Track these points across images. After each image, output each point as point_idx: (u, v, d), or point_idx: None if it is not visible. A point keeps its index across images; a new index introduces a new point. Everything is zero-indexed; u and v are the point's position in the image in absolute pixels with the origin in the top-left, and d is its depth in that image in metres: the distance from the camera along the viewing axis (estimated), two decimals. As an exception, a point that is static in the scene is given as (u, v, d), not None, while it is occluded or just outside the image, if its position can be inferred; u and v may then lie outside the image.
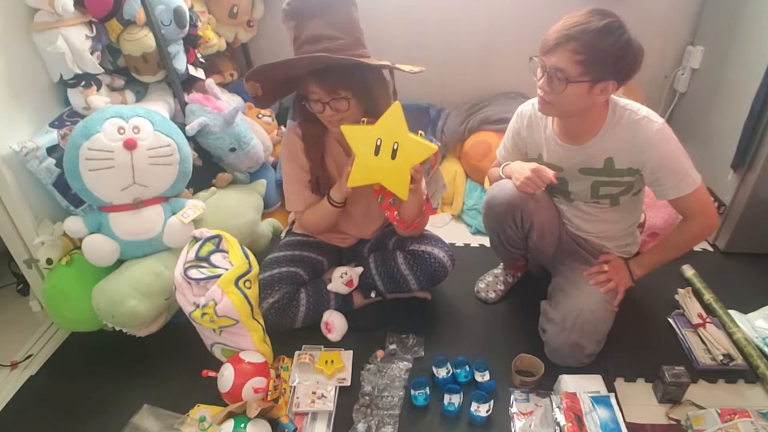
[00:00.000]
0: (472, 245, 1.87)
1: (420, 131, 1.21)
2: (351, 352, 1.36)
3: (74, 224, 1.32)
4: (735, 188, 1.67)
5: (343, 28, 1.16)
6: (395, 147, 1.19)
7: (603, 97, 1.12)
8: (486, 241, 1.67)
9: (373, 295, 1.47)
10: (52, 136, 1.33)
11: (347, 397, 1.25)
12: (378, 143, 1.19)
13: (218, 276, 1.23)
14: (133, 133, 1.30)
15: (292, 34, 1.19)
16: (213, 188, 1.62)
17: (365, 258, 1.49)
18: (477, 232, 1.95)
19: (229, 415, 1.10)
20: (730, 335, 1.37)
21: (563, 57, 1.06)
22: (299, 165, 1.38)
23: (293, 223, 1.60)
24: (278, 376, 1.29)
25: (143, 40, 1.47)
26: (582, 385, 1.19)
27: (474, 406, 1.20)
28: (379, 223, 1.51)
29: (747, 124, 1.56)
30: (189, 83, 1.70)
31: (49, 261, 1.34)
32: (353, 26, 1.18)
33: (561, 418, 1.12)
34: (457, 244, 1.86)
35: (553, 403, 1.18)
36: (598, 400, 1.14)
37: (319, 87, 1.19)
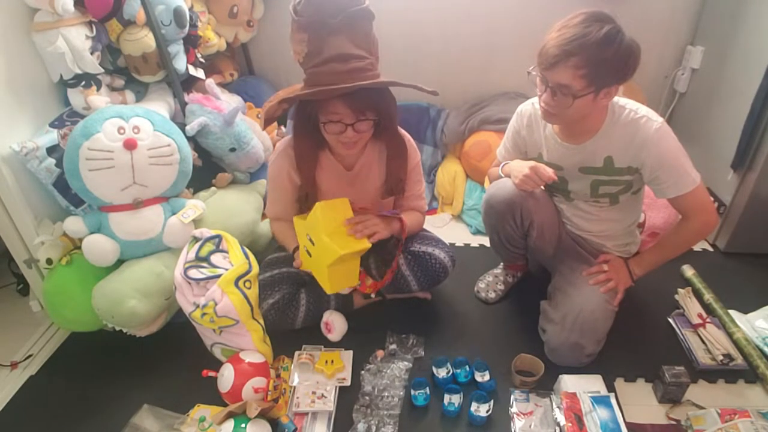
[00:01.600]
0: (472, 245, 1.87)
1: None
2: (351, 352, 1.36)
3: (74, 224, 1.32)
4: (735, 188, 1.67)
5: (366, 45, 1.11)
6: (309, 238, 1.24)
7: (607, 100, 1.12)
8: (486, 241, 1.67)
9: (373, 295, 1.47)
10: (52, 136, 1.33)
11: (347, 397, 1.25)
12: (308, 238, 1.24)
13: (218, 276, 1.23)
14: (133, 133, 1.30)
15: (303, 49, 1.10)
16: (213, 188, 1.62)
17: (365, 258, 1.48)
18: (477, 232, 1.95)
19: (229, 415, 1.10)
20: (730, 335, 1.37)
21: (566, 74, 1.05)
22: (280, 186, 1.34)
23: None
24: (278, 376, 1.29)
25: (143, 40, 1.47)
26: (582, 385, 1.19)
27: (474, 406, 1.20)
28: None
29: (747, 124, 1.56)
30: (189, 83, 1.70)
31: (49, 261, 1.34)
32: (375, 44, 1.14)
33: (561, 418, 1.12)
34: (457, 244, 1.86)
35: (553, 403, 1.18)
36: (598, 400, 1.14)
37: (346, 107, 1.13)
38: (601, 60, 1.03)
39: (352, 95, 1.11)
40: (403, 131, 1.36)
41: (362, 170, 1.35)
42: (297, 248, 1.34)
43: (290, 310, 1.38)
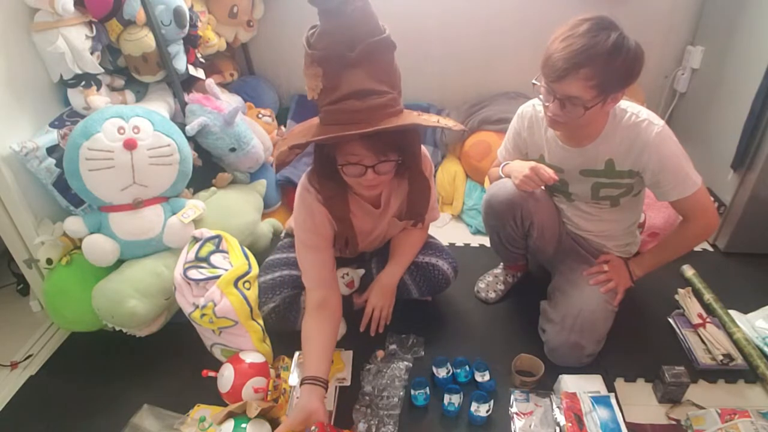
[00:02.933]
0: (472, 245, 1.87)
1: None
2: (351, 352, 1.36)
3: (74, 224, 1.32)
4: (735, 188, 1.66)
5: (387, 79, 1.00)
6: None
7: (612, 105, 1.12)
8: (486, 241, 1.67)
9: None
10: (52, 136, 1.33)
11: (347, 397, 1.25)
12: None
13: (218, 277, 1.23)
14: (133, 133, 1.30)
15: (318, 84, 1.00)
16: (213, 188, 1.62)
17: (367, 261, 1.48)
18: (477, 232, 1.95)
19: (229, 415, 1.10)
20: (730, 335, 1.37)
21: (576, 85, 1.03)
22: (323, 237, 1.22)
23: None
24: (278, 376, 1.29)
25: (143, 40, 1.47)
26: (582, 385, 1.19)
27: (474, 406, 1.20)
28: (387, 240, 1.49)
29: (747, 124, 1.56)
30: (189, 83, 1.70)
31: (49, 261, 1.35)
32: (397, 76, 1.04)
33: (561, 418, 1.12)
34: (457, 244, 1.87)
35: (553, 403, 1.18)
36: (598, 400, 1.14)
37: (365, 149, 1.02)
38: (610, 69, 1.01)
39: (372, 135, 1.00)
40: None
41: (387, 203, 1.29)
42: (305, 381, 1.09)
43: (290, 313, 1.36)
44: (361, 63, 0.97)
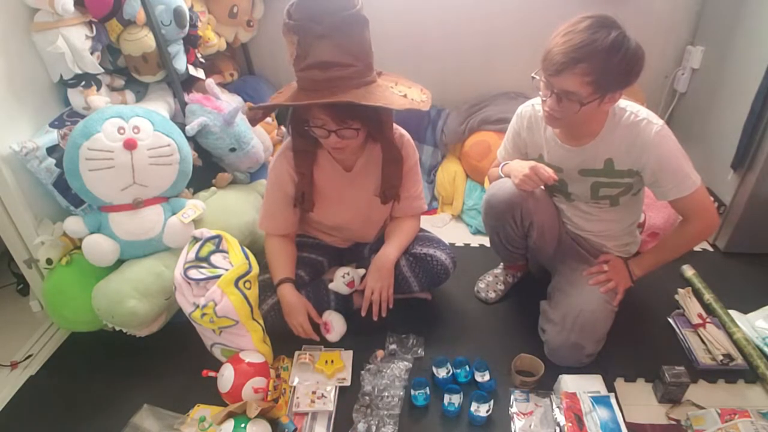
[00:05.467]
0: (472, 245, 1.87)
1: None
2: (351, 352, 1.36)
3: (74, 224, 1.32)
4: (735, 188, 1.66)
5: (354, 52, 1.07)
6: None
7: (610, 104, 1.12)
8: (486, 241, 1.67)
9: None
10: (52, 136, 1.33)
11: (347, 397, 1.25)
12: None
13: (218, 276, 1.23)
14: (133, 133, 1.30)
15: (294, 50, 1.08)
16: (213, 188, 1.62)
17: (366, 259, 1.48)
18: (477, 232, 1.95)
19: (229, 415, 1.10)
20: (730, 335, 1.37)
21: (573, 80, 1.04)
22: (279, 189, 1.34)
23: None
24: (278, 376, 1.29)
25: (143, 40, 1.47)
26: (582, 385, 1.19)
27: (474, 406, 1.20)
28: (379, 226, 1.51)
29: (747, 124, 1.56)
30: (189, 83, 1.70)
31: (49, 261, 1.34)
32: (365, 50, 1.10)
33: (561, 418, 1.12)
34: (457, 244, 1.87)
35: (553, 403, 1.18)
36: (598, 400, 1.14)
37: (327, 115, 1.12)
38: (608, 67, 1.02)
39: (333, 103, 1.08)
40: (401, 130, 1.34)
41: (362, 171, 1.35)
42: (283, 281, 1.34)
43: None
44: (329, 35, 1.04)
